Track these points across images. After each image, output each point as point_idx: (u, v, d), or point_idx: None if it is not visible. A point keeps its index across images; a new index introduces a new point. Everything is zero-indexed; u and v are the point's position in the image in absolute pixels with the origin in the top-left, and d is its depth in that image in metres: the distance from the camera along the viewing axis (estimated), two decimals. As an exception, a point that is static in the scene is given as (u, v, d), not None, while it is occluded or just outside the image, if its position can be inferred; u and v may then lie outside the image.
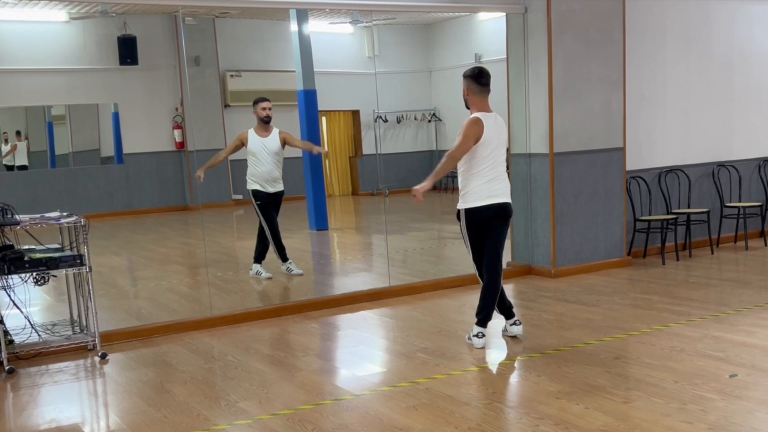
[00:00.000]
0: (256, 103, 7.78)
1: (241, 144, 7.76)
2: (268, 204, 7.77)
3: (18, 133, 15.54)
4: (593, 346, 5.20)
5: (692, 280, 7.23)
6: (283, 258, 7.99)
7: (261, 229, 7.89)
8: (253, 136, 7.72)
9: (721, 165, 8.91)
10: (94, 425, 4.38)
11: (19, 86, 14.45)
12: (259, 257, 7.96)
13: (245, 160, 7.81)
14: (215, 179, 14.93)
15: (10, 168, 15.31)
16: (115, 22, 15.04)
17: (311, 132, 11.33)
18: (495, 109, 5.31)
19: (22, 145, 15.53)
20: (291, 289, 7.63)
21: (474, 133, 5.11)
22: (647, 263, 8.06)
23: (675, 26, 8.41)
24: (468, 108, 5.29)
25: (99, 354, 5.47)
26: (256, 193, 7.75)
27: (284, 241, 8.02)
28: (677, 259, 8.15)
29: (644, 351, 5.04)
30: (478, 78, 5.19)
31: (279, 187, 7.81)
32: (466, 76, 5.23)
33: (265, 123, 7.72)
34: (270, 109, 7.75)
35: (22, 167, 15.46)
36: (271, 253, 8.01)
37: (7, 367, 5.19)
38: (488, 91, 5.25)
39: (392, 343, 5.71)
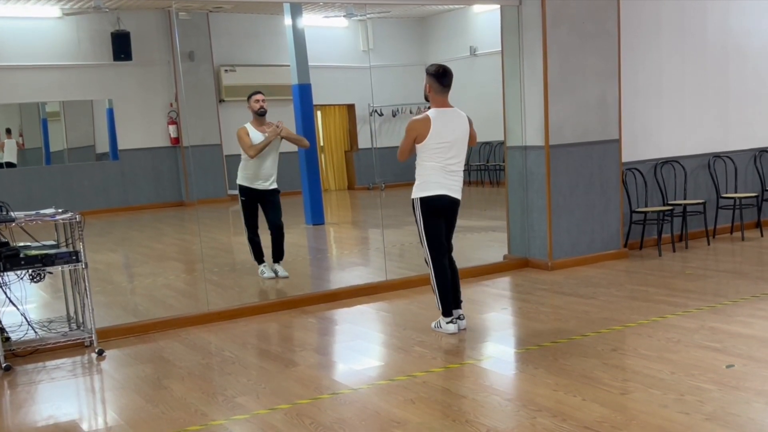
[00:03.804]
0: (250, 96, 7.57)
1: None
2: (251, 202, 7.58)
3: (8, 130, 15.45)
4: (590, 338, 5.21)
5: (688, 272, 7.24)
6: (259, 260, 7.83)
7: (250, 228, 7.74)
8: (254, 132, 7.44)
9: (717, 156, 8.91)
10: (91, 422, 4.37)
11: (12, 83, 14.39)
12: (258, 257, 7.87)
13: (239, 155, 7.56)
14: (210, 175, 14.94)
15: None
16: (108, 17, 14.98)
17: (306, 126, 11.30)
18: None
19: (11, 143, 15.42)
20: (288, 284, 7.62)
21: (414, 130, 5.30)
22: (644, 255, 8.07)
23: (670, 18, 8.40)
24: (427, 101, 5.42)
25: (96, 350, 5.47)
26: (242, 189, 7.57)
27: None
28: (674, 251, 8.16)
29: (641, 342, 5.05)
30: (441, 78, 5.33)
31: (273, 184, 7.59)
32: (429, 73, 5.36)
33: (260, 116, 7.47)
34: (264, 101, 7.50)
35: (10, 164, 15.35)
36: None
37: (3, 365, 5.18)
38: (448, 91, 5.39)
39: (389, 337, 5.71)
